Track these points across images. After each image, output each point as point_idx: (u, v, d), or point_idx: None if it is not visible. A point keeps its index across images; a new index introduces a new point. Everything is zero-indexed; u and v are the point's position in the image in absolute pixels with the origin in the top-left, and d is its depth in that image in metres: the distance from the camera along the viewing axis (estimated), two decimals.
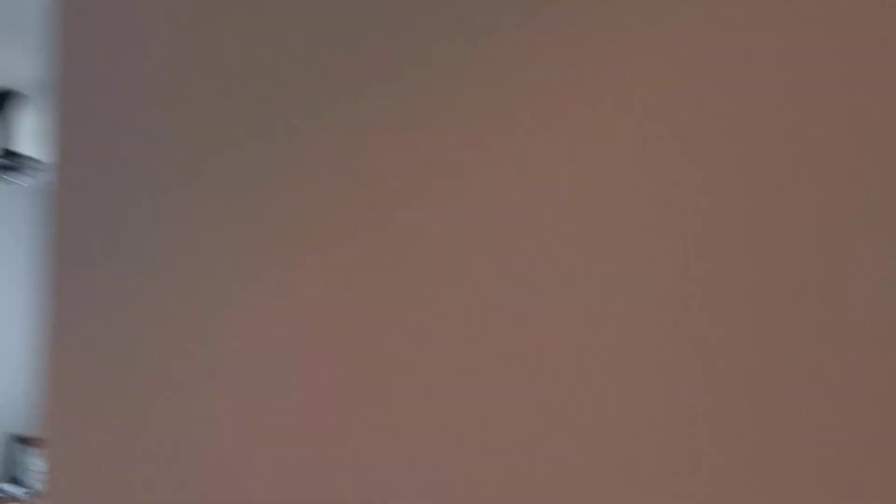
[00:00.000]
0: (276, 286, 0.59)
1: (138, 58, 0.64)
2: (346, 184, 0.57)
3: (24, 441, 4.50)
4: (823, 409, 0.52)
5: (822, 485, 0.52)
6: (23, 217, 5.54)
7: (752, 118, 0.49)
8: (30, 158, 3.36)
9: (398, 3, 0.56)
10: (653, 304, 0.50)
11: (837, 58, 0.48)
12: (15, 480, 4.47)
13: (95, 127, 0.66)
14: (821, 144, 0.48)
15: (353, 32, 0.57)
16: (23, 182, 3.47)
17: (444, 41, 0.54)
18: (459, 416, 0.54)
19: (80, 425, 0.65)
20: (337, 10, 0.57)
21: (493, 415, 0.54)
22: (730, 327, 0.50)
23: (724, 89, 0.50)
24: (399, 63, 0.55)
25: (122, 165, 0.64)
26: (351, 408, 0.57)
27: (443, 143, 0.54)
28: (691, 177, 0.50)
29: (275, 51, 0.59)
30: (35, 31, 2.75)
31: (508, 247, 0.53)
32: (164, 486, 0.62)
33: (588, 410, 0.52)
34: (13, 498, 4.13)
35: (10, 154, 3.31)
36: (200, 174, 0.62)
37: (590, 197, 0.51)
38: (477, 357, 0.54)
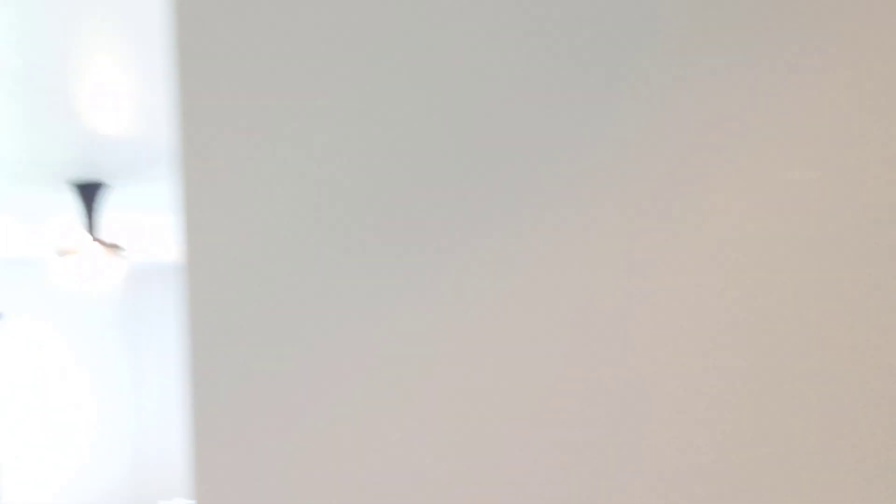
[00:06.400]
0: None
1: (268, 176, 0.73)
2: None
3: None
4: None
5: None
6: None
7: None
8: (115, 245, 3.56)
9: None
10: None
11: None
12: None
13: (228, 223, 0.72)
14: None
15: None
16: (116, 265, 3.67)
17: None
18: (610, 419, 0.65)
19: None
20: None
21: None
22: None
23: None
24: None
25: (255, 259, 0.72)
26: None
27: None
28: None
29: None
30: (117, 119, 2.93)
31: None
32: None
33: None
34: None
35: (99, 242, 3.52)
36: (340, 270, 0.68)
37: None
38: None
